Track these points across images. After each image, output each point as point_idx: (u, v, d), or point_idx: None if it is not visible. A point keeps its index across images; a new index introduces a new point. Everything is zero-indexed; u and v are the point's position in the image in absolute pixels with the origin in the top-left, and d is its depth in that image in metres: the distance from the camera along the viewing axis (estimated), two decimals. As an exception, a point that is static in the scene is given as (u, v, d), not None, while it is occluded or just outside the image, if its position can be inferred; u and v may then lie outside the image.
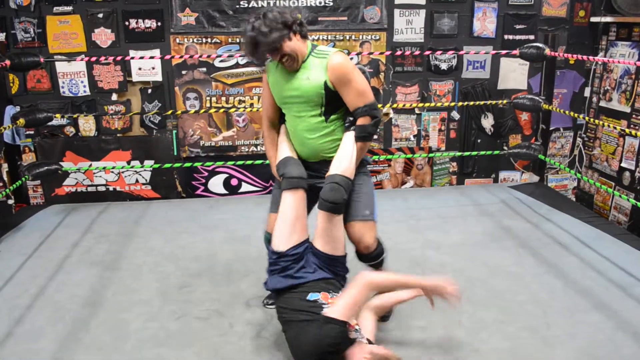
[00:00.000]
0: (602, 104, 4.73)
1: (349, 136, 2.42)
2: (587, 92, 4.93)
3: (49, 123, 4.37)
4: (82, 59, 4.23)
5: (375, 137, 2.64)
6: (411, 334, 2.61)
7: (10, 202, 4.56)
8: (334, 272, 2.41)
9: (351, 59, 4.59)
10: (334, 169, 2.38)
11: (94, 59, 4.17)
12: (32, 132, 4.54)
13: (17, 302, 2.98)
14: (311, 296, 2.25)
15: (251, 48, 2.27)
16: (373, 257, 2.54)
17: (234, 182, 4.80)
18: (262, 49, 2.26)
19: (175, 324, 2.76)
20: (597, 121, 4.44)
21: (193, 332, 2.68)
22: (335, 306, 2.15)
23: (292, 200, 2.41)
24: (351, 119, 2.43)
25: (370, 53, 4.55)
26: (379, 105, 4.59)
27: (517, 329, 2.67)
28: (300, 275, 2.34)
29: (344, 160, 2.38)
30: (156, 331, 2.69)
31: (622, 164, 4.49)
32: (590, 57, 4.21)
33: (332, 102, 2.38)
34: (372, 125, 2.40)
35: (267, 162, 4.49)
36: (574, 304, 2.91)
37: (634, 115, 4.33)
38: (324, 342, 2.08)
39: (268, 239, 2.58)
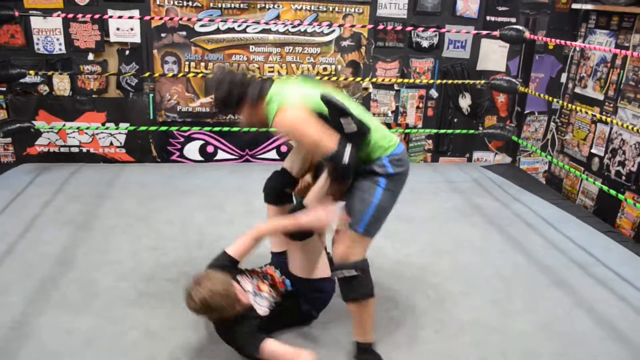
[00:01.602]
0: (577, 90, 4.82)
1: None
2: (563, 77, 5.01)
3: (22, 80, 4.27)
4: (58, 16, 4.13)
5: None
6: (376, 303, 2.66)
7: (-20, 158, 4.47)
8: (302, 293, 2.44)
9: (332, 31, 4.60)
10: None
11: (70, 15, 4.07)
12: (3, 89, 4.43)
13: (-14, 257, 2.96)
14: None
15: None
16: (337, 268, 2.19)
17: (209, 149, 4.78)
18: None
19: (146, 285, 2.78)
20: (571, 106, 4.53)
21: (163, 294, 2.70)
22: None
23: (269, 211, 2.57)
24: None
25: (353, 26, 4.54)
26: (359, 79, 4.65)
27: (480, 301, 2.76)
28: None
29: (312, 192, 2.36)
30: (126, 291, 2.71)
31: (592, 150, 4.60)
32: (569, 42, 4.27)
33: None
34: (333, 172, 2.14)
35: (244, 129, 4.54)
36: (536, 280, 3.02)
37: (606, 103, 4.43)
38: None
39: None
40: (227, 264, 2.27)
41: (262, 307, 2.26)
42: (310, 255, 2.38)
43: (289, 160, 2.50)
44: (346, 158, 2.04)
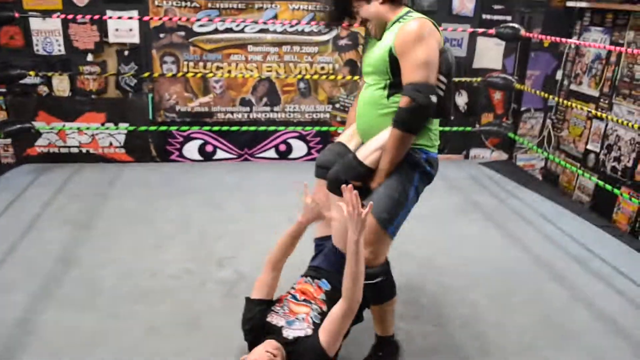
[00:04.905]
0: (573, 87, 4.87)
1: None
2: (559, 75, 5.05)
3: (22, 81, 4.28)
4: (57, 17, 4.15)
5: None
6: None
7: (-20, 159, 4.49)
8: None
9: (330, 30, 4.61)
10: (358, 151, 2.06)
11: (70, 16, 4.09)
12: (3, 90, 4.45)
13: (-11, 257, 2.99)
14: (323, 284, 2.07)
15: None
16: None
17: (209, 148, 4.80)
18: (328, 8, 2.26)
19: (149, 281, 2.80)
20: (566, 102, 4.57)
21: (166, 290, 2.73)
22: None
23: (318, 189, 2.23)
24: None
25: (350, 25, 4.56)
26: (356, 78, 4.65)
27: (479, 296, 2.79)
28: (317, 265, 2.16)
29: (369, 144, 2.03)
30: (130, 288, 2.74)
31: (588, 146, 4.64)
32: (564, 40, 4.31)
33: (398, 75, 1.96)
34: (405, 110, 1.90)
35: (244, 128, 4.57)
36: (535, 274, 3.05)
37: (601, 100, 4.47)
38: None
39: None
40: (259, 310, 2.06)
41: (298, 330, 1.94)
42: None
43: (347, 134, 2.24)
44: (434, 98, 1.90)
